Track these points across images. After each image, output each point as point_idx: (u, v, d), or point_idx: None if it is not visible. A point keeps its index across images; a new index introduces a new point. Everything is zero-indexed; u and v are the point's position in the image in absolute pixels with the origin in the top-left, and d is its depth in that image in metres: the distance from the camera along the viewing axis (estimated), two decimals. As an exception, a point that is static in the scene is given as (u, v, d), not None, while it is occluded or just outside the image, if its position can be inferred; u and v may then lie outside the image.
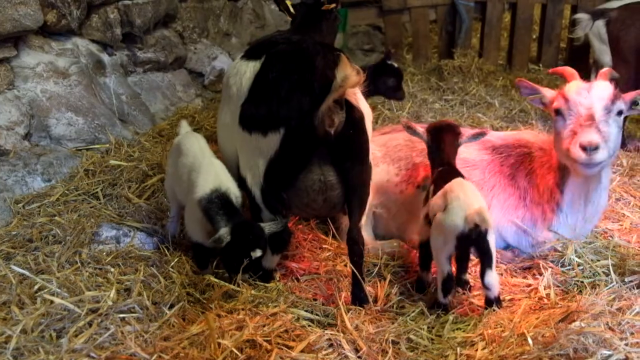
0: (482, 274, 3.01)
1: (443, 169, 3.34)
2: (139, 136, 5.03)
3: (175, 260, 3.32)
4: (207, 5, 7.09)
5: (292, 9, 4.51)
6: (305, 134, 2.93)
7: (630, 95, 3.36)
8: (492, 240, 2.99)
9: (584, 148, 3.18)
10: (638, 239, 3.69)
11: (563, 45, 8.48)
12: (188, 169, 3.28)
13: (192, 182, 3.19)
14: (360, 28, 9.21)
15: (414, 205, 3.69)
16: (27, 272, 3.07)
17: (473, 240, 2.96)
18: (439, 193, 3.13)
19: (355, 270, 3.08)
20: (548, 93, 3.53)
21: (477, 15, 8.42)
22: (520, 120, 5.82)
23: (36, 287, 2.96)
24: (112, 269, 3.17)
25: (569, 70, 3.56)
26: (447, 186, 3.11)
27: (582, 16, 5.44)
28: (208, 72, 6.61)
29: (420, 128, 3.51)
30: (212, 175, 3.20)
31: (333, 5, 4.40)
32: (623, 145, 5.20)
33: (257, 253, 2.96)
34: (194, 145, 3.42)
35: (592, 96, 3.30)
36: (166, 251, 3.44)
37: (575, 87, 3.38)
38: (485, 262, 3.00)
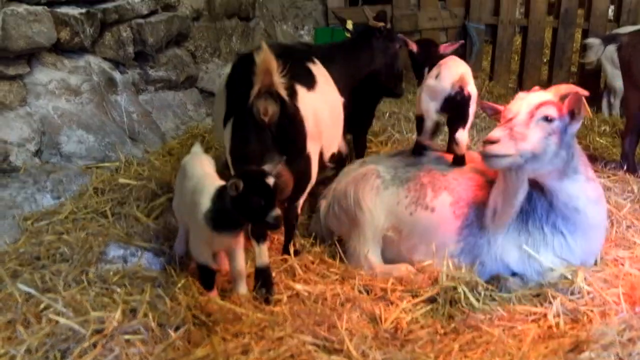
0: (455, 131, 3.80)
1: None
2: (149, 155, 5.04)
3: (182, 281, 3.30)
4: (219, 25, 7.14)
5: (351, 29, 4.86)
6: (247, 122, 3.34)
7: (568, 106, 3.38)
8: (472, 107, 3.82)
9: (484, 142, 3.28)
10: (649, 268, 3.65)
11: (574, 69, 8.47)
12: (191, 191, 3.28)
13: (194, 203, 3.18)
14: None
15: (424, 227, 3.69)
16: (33, 291, 3.07)
17: (457, 101, 3.75)
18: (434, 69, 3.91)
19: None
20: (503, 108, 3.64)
21: (488, 38, 8.47)
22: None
23: (42, 306, 2.96)
24: (119, 289, 3.16)
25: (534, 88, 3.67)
26: (442, 61, 3.91)
27: (593, 41, 5.44)
28: (219, 91, 6.63)
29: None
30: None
31: (381, 24, 4.67)
32: (634, 170, 5.18)
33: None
34: (197, 167, 3.41)
35: (522, 102, 3.41)
36: (173, 272, 3.42)
37: (517, 96, 3.54)
38: (461, 122, 3.79)
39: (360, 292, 3.49)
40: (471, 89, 3.85)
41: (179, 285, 3.27)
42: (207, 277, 3.27)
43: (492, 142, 3.24)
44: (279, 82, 3.23)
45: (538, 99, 3.39)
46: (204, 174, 3.34)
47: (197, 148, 3.68)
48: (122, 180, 4.38)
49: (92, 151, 4.64)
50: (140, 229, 3.90)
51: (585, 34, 8.24)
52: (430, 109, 3.89)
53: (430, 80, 3.92)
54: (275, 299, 3.32)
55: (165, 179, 4.46)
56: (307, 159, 3.61)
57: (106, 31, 5.31)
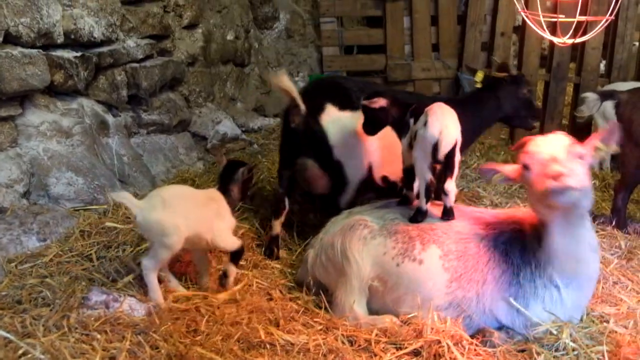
0: (444, 182, 3.70)
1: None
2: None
3: (163, 328, 3.27)
4: (214, 70, 7.22)
5: (481, 80, 5.16)
6: (285, 129, 4.61)
7: (591, 143, 3.45)
8: (457, 155, 3.75)
9: (552, 177, 3.25)
10: (635, 325, 3.63)
11: (565, 122, 8.55)
12: None
13: None
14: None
15: (410, 280, 3.67)
16: (11, 336, 3.02)
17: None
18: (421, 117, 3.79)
19: None
20: (507, 167, 3.66)
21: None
22: (520, 196, 5.82)
23: (20, 352, 2.92)
24: (99, 336, 3.12)
25: (525, 139, 3.66)
26: (428, 108, 3.77)
27: (590, 95, 5.46)
28: (211, 136, 6.66)
29: None
30: None
31: (505, 74, 4.97)
32: (623, 227, 5.18)
33: None
34: None
35: (552, 144, 3.43)
36: (156, 318, 3.39)
37: (533, 141, 3.53)
38: (448, 172, 3.71)
39: (343, 342, 3.45)
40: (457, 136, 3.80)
41: (159, 332, 3.24)
42: None
43: (561, 175, 3.23)
44: (299, 100, 4.25)
45: (564, 139, 3.44)
46: None
47: None
48: (109, 224, 4.36)
49: (81, 193, 4.64)
50: (124, 273, 3.87)
51: (577, 88, 8.34)
52: (424, 161, 3.82)
53: (421, 130, 3.81)
54: (258, 349, 3.29)
55: (152, 224, 4.44)
56: (338, 164, 4.43)
57: (100, 74, 5.35)
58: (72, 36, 4.97)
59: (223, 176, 4.02)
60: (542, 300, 3.53)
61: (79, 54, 5.00)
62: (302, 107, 4.27)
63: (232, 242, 3.86)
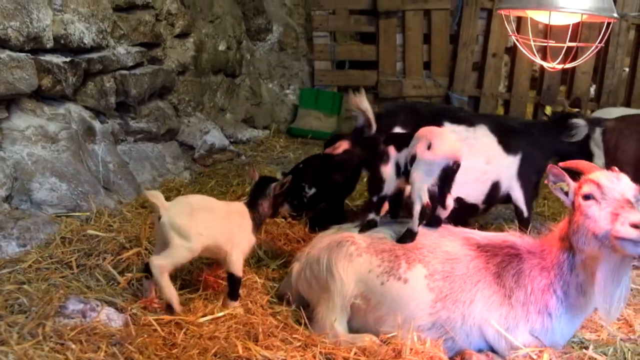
0: (444, 198, 3.69)
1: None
2: (121, 206, 4.99)
3: (139, 340, 3.22)
4: (204, 80, 7.20)
5: (549, 114, 5.59)
6: None
7: None
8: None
9: (635, 226, 3.17)
10: (614, 352, 3.62)
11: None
12: None
13: None
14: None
15: (393, 299, 3.65)
16: (-17, 344, 2.98)
17: (454, 170, 3.67)
18: (415, 140, 3.76)
19: None
20: (572, 182, 3.55)
21: (471, 109, 8.56)
22: (505, 217, 5.81)
23: (-8, 359, 2.87)
24: (74, 346, 3.07)
25: (584, 163, 3.63)
26: (424, 132, 3.76)
27: (578, 122, 5.49)
28: (199, 145, 6.65)
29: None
30: None
31: (576, 110, 5.33)
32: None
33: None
34: None
35: (622, 184, 3.37)
36: (133, 329, 3.35)
37: (603, 174, 3.44)
38: (448, 189, 3.71)
39: (321, 361, 3.42)
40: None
41: (135, 343, 3.19)
42: None
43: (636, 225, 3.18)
44: (372, 121, 4.35)
45: (631, 182, 3.40)
46: None
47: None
48: (90, 231, 4.31)
49: (64, 200, 4.60)
50: (104, 282, 3.83)
51: (566, 111, 8.39)
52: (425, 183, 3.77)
53: (425, 153, 3.73)
54: (235, 364, 3.26)
55: (135, 232, 4.40)
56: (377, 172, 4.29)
57: (89, 80, 5.33)
58: (62, 41, 4.95)
59: (254, 191, 4.05)
60: (532, 325, 3.52)
61: (68, 59, 4.98)
62: (374, 127, 4.41)
63: (238, 266, 3.84)
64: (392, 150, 3.96)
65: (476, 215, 5.21)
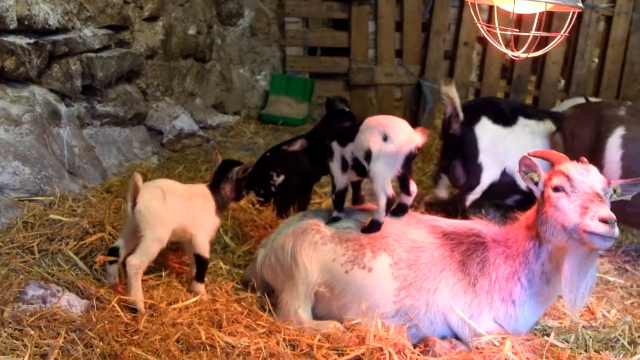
0: (408, 184, 3.68)
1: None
2: (86, 191, 4.92)
3: (99, 327, 3.18)
4: (174, 64, 7.12)
5: None
6: (445, 133, 5.56)
7: (615, 183, 3.43)
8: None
9: (605, 221, 3.18)
10: (576, 340, 3.67)
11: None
12: None
13: None
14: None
15: (358, 287, 3.65)
16: (-61, 330, 2.93)
17: (415, 156, 3.65)
18: (363, 134, 3.68)
19: None
20: (543, 173, 3.54)
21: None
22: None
23: (-53, 346, 2.82)
24: (32, 332, 3.03)
25: (554, 153, 3.63)
26: (371, 124, 3.70)
27: None
28: (168, 130, 6.58)
29: None
30: None
31: None
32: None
33: None
34: None
35: (592, 177, 3.38)
36: (93, 316, 3.31)
37: (573, 166, 3.44)
38: (410, 175, 3.71)
39: (285, 347, 3.41)
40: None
41: (95, 330, 3.15)
42: None
43: (614, 221, 3.18)
44: (460, 109, 5.19)
45: (601, 176, 3.41)
46: None
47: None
48: (53, 216, 4.25)
49: (27, 184, 4.51)
50: (66, 268, 3.78)
51: (536, 102, 8.45)
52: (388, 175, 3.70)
53: (384, 146, 3.63)
54: (197, 351, 3.23)
55: (99, 218, 4.34)
56: (479, 167, 5.31)
57: (55, 63, 5.23)
58: (26, 22, 4.84)
59: (217, 174, 4.06)
60: (496, 313, 3.56)
61: (32, 41, 4.87)
62: (462, 116, 5.18)
63: (205, 248, 3.87)
64: (335, 145, 3.93)
65: None
